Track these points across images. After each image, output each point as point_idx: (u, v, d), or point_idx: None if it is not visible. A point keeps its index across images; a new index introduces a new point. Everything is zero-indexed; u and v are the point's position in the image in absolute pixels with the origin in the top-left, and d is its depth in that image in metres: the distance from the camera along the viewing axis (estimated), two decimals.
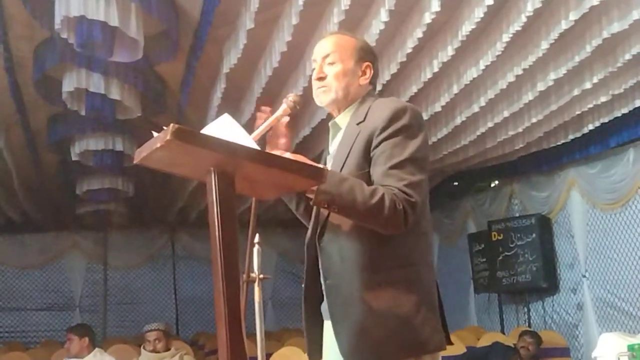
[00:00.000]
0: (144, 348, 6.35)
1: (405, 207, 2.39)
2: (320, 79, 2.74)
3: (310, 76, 5.88)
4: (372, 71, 2.77)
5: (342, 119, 2.75)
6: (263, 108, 2.70)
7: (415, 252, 2.53)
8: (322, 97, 2.75)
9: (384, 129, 2.51)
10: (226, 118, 2.30)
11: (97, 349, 6.45)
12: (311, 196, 2.39)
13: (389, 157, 2.48)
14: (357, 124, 2.62)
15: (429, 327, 2.47)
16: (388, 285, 2.46)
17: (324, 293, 2.59)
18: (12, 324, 12.30)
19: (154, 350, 6.26)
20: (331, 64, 2.73)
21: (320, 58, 2.76)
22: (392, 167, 2.46)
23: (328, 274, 2.58)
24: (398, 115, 2.53)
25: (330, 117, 2.84)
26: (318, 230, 2.61)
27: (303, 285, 2.70)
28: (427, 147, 2.60)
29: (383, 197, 2.37)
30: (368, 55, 2.78)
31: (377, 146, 2.52)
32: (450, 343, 2.64)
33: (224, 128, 2.23)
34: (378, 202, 2.36)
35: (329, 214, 2.57)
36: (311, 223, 2.69)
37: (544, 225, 9.53)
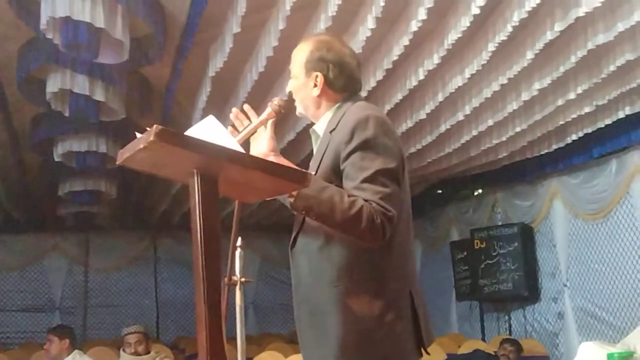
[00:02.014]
0: (123, 351, 6.31)
1: (383, 221, 2.37)
2: (290, 92, 2.80)
3: None
4: (322, 80, 2.70)
5: (319, 126, 2.76)
6: (245, 107, 2.70)
7: (382, 264, 2.50)
8: (297, 110, 2.83)
9: (348, 142, 2.49)
10: (211, 120, 2.29)
11: (76, 350, 6.41)
12: (291, 200, 2.39)
13: (359, 170, 2.45)
14: (330, 132, 2.62)
15: (393, 341, 2.45)
16: (351, 299, 2.45)
17: (294, 303, 2.62)
18: None
19: (135, 353, 6.22)
20: (291, 78, 2.80)
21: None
22: (364, 181, 2.43)
23: (298, 285, 2.61)
24: (360, 127, 2.50)
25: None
26: (292, 239, 2.63)
27: (293, 290, 2.69)
28: (397, 154, 2.54)
29: (361, 209, 2.35)
30: (318, 64, 2.71)
31: (345, 159, 2.49)
32: (427, 352, 2.62)
33: (208, 130, 2.22)
34: (356, 214, 2.34)
35: (302, 223, 2.58)
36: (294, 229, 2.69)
37: (527, 234, 9.56)
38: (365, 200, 2.38)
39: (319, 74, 2.71)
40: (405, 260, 2.60)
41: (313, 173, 2.55)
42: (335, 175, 2.51)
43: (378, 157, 2.46)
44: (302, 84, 2.74)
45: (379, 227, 2.37)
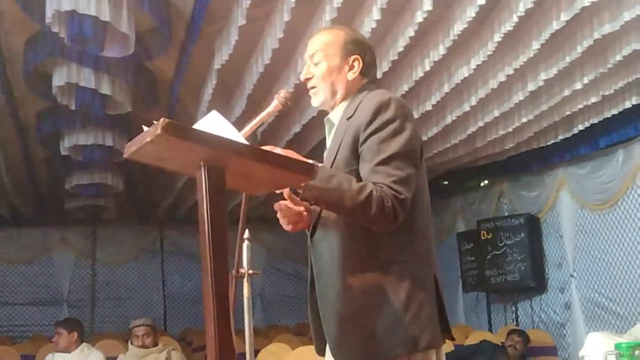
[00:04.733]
0: (131, 343, 6.34)
1: (394, 204, 2.37)
2: (307, 79, 2.75)
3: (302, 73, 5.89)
4: (361, 63, 2.72)
5: (335, 115, 2.73)
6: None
7: (405, 248, 2.49)
8: (313, 99, 2.77)
9: (368, 124, 2.49)
10: (214, 115, 2.29)
11: (84, 343, 6.44)
12: (299, 191, 2.39)
13: (376, 153, 2.45)
14: (347, 119, 2.61)
15: (420, 325, 2.43)
16: (376, 284, 2.44)
17: (316, 292, 2.60)
18: (0, 319, 12.26)
19: (143, 346, 6.26)
20: (316, 63, 2.73)
21: (308, 58, 2.76)
22: (379, 164, 2.43)
23: (320, 273, 2.59)
24: (381, 109, 2.49)
25: (322, 113, 2.84)
26: (311, 227, 2.62)
27: (308, 281, 2.69)
28: (415, 139, 2.54)
29: (371, 194, 2.35)
30: (356, 48, 2.73)
31: (363, 142, 2.49)
32: (452, 338, 2.64)
33: (212, 125, 2.22)
34: (365, 199, 2.34)
35: (320, 212, 2.57)
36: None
37: (533, 225, 9.57)
38: (377, 183, 2.39)
39: (358, 56, 2.72)
40: (429, 246, 2.60)
41: (331, 160, 2.57)
42: (356, 159, 2.51)
43: (396, 140, 2.46)
44: (335, 66, 2.71)
45: (390, 211, 2.36)
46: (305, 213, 2.66)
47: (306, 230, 2.72)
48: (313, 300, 2.67)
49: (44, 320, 12.15)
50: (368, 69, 2.75)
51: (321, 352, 2.71)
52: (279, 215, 2.64)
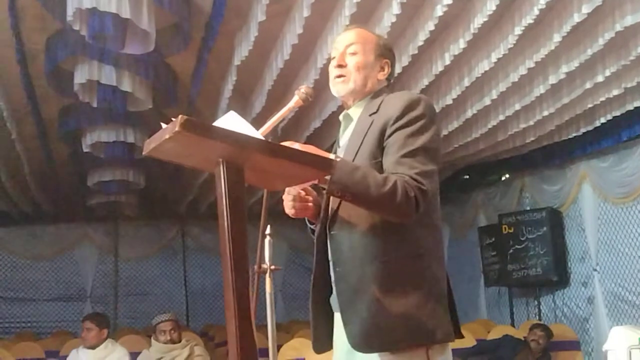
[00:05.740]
0: (155, 339, 6.34)
1: (416, 195, 2.41)
2: (340, 66, 2.77)
3: (321, 69, 5.89)
4: (390, 68, 2.82)
5: (355, 111, 2.78)
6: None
7: (424, 244, 2.53)
8: (340, 86, 2.78)
9: (397, 118, 2.54)
10: (232, 115, 2.30)
11: (108, 339, 6.46)
12: (324, 186, 2.41)
13: (402, 146, 2.50)
14: (370, 115, 2.65)
15: (437, 318, 2.48)
16: (396, 275, 2.47)
17: (333, 281, 2.61)
18: (24, 314, 12.39)
19: (171, 341, 6.24)
20: (353, 54, 2.77)
21: (343, 47, 2.80)
22: (404, 156, 2.48)
23: (338, 262, 2.60)
24: (412, 106, 2.56)
25: (341, 109, 2.85)
26: (329, 219, 2.63)
27: (312, 276, 2.71)
28: (439, 139, 2.63)
29: (395, 184, 2.39)
30: (388, 53, 2.85)
31: (390, 135, 2.54)
32: (461, 336, 2.65)
33: (230, 124, 2.23)
34: (390, 189, 2.38)
35: (339, 204, 2.59)
36: (321, 215, 2.71)
37: (555, 219, 9.52)
38: (399, 174, 2.43)
39: (389, 61, 2.83)
40: (441, 242, 2.67)
41: (353, 153, 2.61)
42: (381, 152, 2.57)
43: (422, 136, 2.53)
44: (370, 62, 2.78)
45: (412, 201, 2.41)
46: (310, 204, 2.75)
47: (307, 222, 2.84)
48: (317, 296, 2.71)
49: (68, 316, 12.28)
50: (391, 76, 2.86)
51: (320, 350, 2.75)
52: (286, 198, 2.71)
